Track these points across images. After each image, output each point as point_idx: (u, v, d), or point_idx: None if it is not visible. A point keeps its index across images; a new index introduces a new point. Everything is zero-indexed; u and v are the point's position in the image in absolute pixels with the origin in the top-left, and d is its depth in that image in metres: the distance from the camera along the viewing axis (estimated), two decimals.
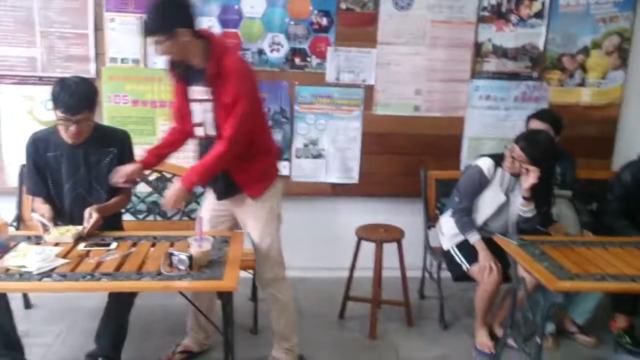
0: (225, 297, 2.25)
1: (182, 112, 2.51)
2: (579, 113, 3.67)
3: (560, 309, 2.90)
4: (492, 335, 2.99)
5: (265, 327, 3.05)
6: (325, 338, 3.06)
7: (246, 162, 2.44)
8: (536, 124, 3.10)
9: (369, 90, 3.60)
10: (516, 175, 2.85)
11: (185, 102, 2.47)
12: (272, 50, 3.48)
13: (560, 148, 3.22)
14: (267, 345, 2.79)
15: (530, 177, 2.74)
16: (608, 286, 2.25)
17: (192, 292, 2.62)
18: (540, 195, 2.83)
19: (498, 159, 2.90)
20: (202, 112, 2.42)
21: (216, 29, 3.36)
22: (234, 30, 3.41)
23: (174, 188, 2.35)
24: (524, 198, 2.81)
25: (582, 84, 3.67)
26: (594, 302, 2.98)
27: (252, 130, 2.39)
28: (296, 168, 3.66)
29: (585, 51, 3.63)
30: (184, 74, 2.41)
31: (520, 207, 2.86)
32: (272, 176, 2.60)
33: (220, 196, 2.55)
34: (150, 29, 2.24)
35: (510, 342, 2.75)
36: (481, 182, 2.91)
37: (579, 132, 3.56)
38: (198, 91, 2.40)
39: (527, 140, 2.78)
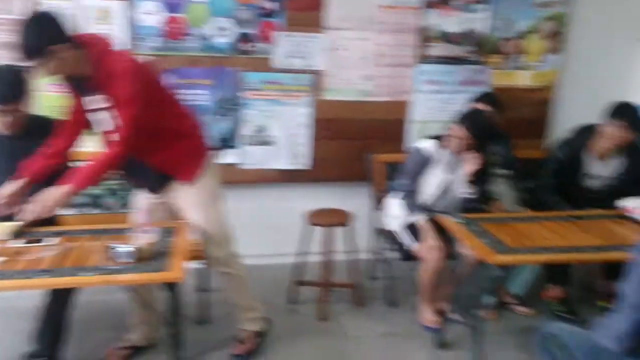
0: (172, 288, 2.24)
1: (79, 125, 2.41)
2: (517, 95, 3.80)
3: (500, 282, 3.02)
4: (440, 311, 3.09)
5: (216, 317, 3.08)
6: (276, 323, 3.10)
7: (166, 150, 2.40)
8: (480, 107, 3.21)
9: (318, 75, 3.62)
10: (458, 155, 2.95)
11: (83, 114, 2.37)
12: (218, 35, 3.46)
13: (500, 129, 3.35)
14: (217, 336, 2.82)
15: (472, 163, 2.87)
16: (543, 258, 2.36)
17: (134, 285, 2.58)
18: (481, 176, 2.94)
19: (438, 140, 3.00)
20: (102, 121, 2.33)
21: (162, 14, 3.32)
22: (180, 15, 3.37)
23: (57, 192, 2.19)
24: (468, 182, 2.94)
25: (520, 67, 3.80)
26: (531, 275, 3.12)
27: (155, 122, 2.32)
28: (245, 155, 3.66)
29: (524, 35, 3.75)
30: (78, 85, 2.30)
31: (464, 190, 2.99)
32: (200, 156, 2.55)
33: (156, 190, 2.53)
34: (27, 55, 2.07)
35: (455, 316, 2.85)
36: (422, 163, 3.01)
37: (516, 114, 3.70)
38: (93, 100, 2.30)
39: (470, 119, 2.88)
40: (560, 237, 2.50)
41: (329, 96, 3.66)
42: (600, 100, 3.09)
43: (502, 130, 3.37)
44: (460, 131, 2.84)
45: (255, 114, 3.63)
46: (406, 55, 3.69)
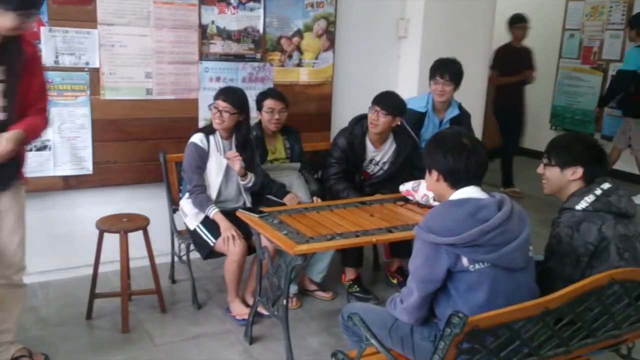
0: None
1: None
2: (299, 91, 4.03)
3: (301, 271, 3.21)
4: (246, 305, 3.17)
5: None
6: (75, 342, 2.87)
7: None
8: (270, 102, 3.36)
9: (95, 73, 3.39)
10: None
11: None
12: None
13: (288, 124, 3.53)
14: None
15: (236, 164, 3.08)
16: (337, 244, 2.57)
17: None
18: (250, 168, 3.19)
19: (207, 130, 3.16)
20: None
21: None
22: None
23: (15, 132, 2.23)
24: (242, 176, 3.15)
25: (299, 64, 4.03)
26: (327, 260, 3.37)
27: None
28: None
29: (299, 33, 3.98)
30: None
31: (240, 182, 3.19)
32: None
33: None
34: None
35: (260, 309, 2.95)
36: (200, 155, 3.10)
37: (301, 108, 3.93)
38: None
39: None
40: (351, 223, 2.74)
41: (108, 95, 3.46)
42: (372, 92, 3.42)
43: (291, 125, 3.55)
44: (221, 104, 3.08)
45: None
46: (189, 52, 3.65)
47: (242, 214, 2.83)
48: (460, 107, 3.74)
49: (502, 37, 5.70)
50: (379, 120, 3.26)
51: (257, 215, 2.77)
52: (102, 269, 3.12)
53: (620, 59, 6.37)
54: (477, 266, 1.83)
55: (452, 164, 1.96)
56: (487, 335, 1.73)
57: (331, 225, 2.71)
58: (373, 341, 1.88)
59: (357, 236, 2.59)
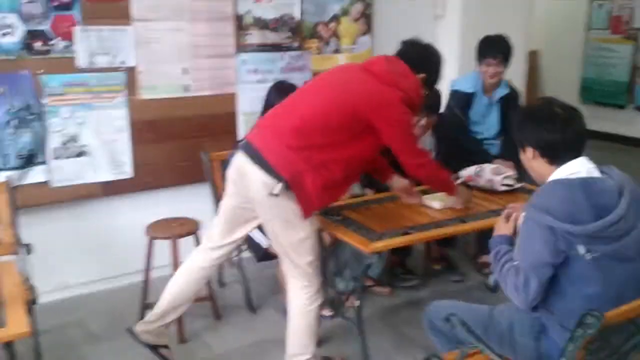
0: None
1: None
2: None
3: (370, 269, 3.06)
4: None
5: None
6: (131, 357, 2.74)
7: None
8: None
9: (131, 73, 3.24)
10: None
11: None
12: (2, 35, 2.86)
13: None
14: None
15: None
16: (413, 238, 2.42)
17: None
18: None
19: None
20: None
21: None
22: None
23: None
24: None
25: (337, 50, 3.86)
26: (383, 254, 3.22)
27: None
28: (56, 171, 3.13)
29: (336, 18, 3.81)
30: None
31: None
32: None
33: None
34: None
35: (323, 311, 2.81)
36: None
37: None
38: None
39: None
40: (417, 214, 2.59)
41: (146, 95, 3.31)
42: None
43: None
44: None
45: (63, 123, 3.12)
46: (225, 45, 3.49)
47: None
48: (509, 85, 3.58)
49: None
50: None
51: (318, 213, 2.61)
52: (152, 275, 2.98)
53: None
54: (592, 255, 1.67)
55: (546, 136, 1.76)
56: (614, 332, 1.58)
57: (399, 218, 2.55)
58: (480, 346, 1.74)
59: (431, 229, 2.43)
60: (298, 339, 2.42)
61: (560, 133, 1.75)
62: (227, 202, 2.49)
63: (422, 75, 2.37)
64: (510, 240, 1.91)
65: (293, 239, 2.27)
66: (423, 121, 3.08)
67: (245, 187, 2.29)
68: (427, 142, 3.30)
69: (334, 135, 2.21)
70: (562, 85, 6.85)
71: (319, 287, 2.38)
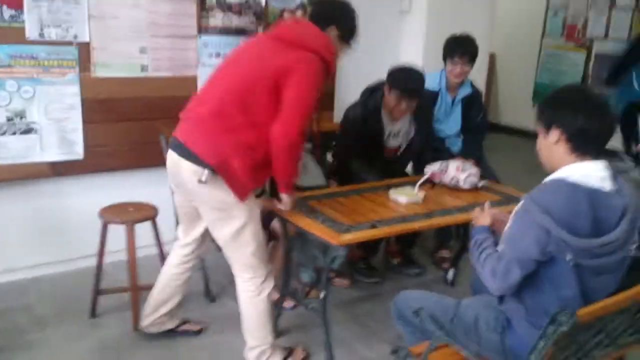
0: None
1: None
2: None
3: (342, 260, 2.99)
4: None
5: None
6: (82, 343, 2.60)
7: None
8: None
9: (84, 48, 3.06)
10: None
11: None
12: None
13: None
14: None
15: None
16: (381, 232, 2.37)
17: None
18: None
19: None
20: None
21: None
22: None
23: None
24: None
25: None
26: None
27: None
28: (1, 149, 2.93)
29: (303, 7, 3.72)
30: None
31: None
32: None
33: None
34: None
35: (286, 304, 2.76)
36: None
37: None
38: None
39: None
40: (385, 208, 2.56)
41: (100, 73, 3.14)
42: (373, 70, 3.27)
43: None
44: None
45: (8, 96, 2.92)
46: (187, 25, 3.35)
47: (266, 201, 2.59)
48: (472, 85, 3.60)
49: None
50: (400, 104, 3.05)
51: None
52: (93, 261, 2.83)
53: (606, 35, 6.38)
54: (575, 263, 1.65)
55: (582, 123, 1.65)
56: (582, 330, 1.59)
57: (366, 211, 2.51)
58: (450, 340, 1.73)
59: (399, 223, 2.40)
60: (253, 330, 2.38)
61: (598, 122, 1.66)
62: (177, 199, 2.48)
63: (334, 32, 2.31)
64: (488, 229, 1.90)
65: (231, 231, 2.22)
66: (403, 105, 3.04)
67: (181, 181, 2.24)
68: (404, 126, 3.26)
69: (255, 114, 2.13)
70: (517, 89, 7.03)
71: (267, 275, 2.34)
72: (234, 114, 2.13)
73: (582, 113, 1.66)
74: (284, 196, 2.35)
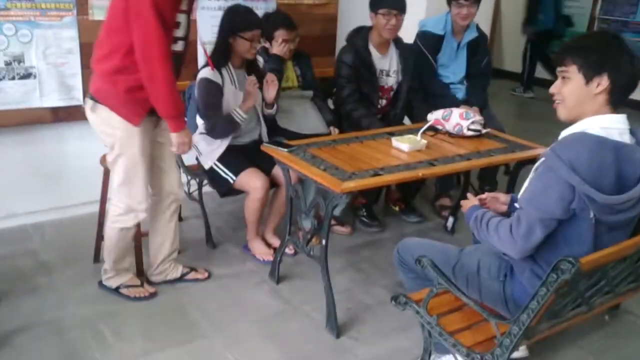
0: None
1: None
2: (305, 12, 3.71)
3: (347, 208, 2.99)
4: (266, 244, 3.00)
5: None
6: (88, 287, 2.65)
7: None
8: (283, 34, 3.06)
9: None
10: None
11: None
12: None
13: (298, 48, 3.24)
14: None
15: (272, 90, 2.87)
16: (384, 179, 2.35)
17: None
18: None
19: (218, 62, 2.79)
20: None
21: None
22: None
23: None
24: (270, 104, 2.94)
25: None
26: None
27: None
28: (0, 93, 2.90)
29: None
30: None
31: (267, 111, 2.95)
32: None
33: None
34: None
35: (286, 248, 2.79)
36: (215, 91, 2.77)
37: (307, 31, 3.60)
38: None
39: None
40: (386, 156, 2.55)
41: (98, 16, 3.05)
42: None
43: (302, 49, 3.27)
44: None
45: (6, 40, 2.87)
46: None
47: (267, 149, 2.59)
48: (478, 28, 3.53)
49: None
50: (399, 23, 3.11)
51: (286, 150, 2.54)
52: (95, 208, 2.86)
53: None
54: (596, 219, 1.64)
55: (633, 71, 1.59)
56: (585, 278, 1.62)
57: (368, 159, 2.50)
58: (450, 287, 1.75)
59: (402, 171, 2.39)
60: (104, 248, 2.55)
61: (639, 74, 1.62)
62: None
63: None
64: (479, 207, 1.92)
65: (109, 158, 2.40)
66: (393, 20, 3.08)
67: None
68: (394, 65, 3.29)
69: (118, 39, 2.18)
70: (513, 29, 6.96)
71: (127, 211, 2.41)
72: (102, 43, 2.26)
73: (634, 64, 1.59)
74: (173, 135, 2.31)
